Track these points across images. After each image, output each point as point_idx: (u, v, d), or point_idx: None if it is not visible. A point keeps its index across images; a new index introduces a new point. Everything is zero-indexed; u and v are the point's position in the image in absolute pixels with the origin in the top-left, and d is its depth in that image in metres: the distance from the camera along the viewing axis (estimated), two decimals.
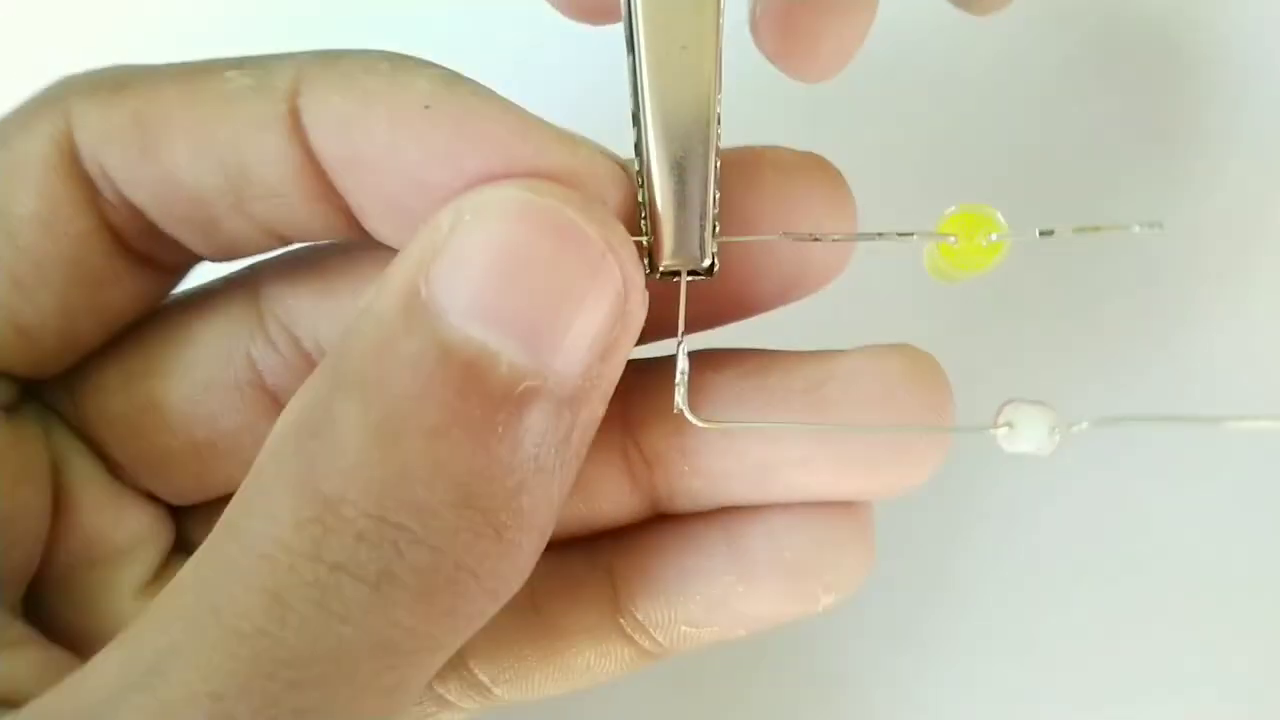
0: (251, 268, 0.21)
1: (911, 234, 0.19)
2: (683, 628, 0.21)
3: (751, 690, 0.31)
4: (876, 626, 0.31)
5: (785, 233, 0.19)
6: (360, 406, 0.15)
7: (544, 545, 0.17)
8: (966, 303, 0.33)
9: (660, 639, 0.21)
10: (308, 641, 0.14)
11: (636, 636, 0.21)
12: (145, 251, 0.19)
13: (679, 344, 0.19)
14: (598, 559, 0.21)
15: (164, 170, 0.18)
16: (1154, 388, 0.32)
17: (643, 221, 0.18)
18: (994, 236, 0.18)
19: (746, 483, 0.20)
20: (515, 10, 0.34)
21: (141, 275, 0.20)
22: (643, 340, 0.18)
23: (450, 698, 0.21)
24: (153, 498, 0.21)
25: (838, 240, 0.19)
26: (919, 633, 0.31)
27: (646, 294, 0.17)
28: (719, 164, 0.17)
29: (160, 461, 0.21)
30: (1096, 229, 0.18)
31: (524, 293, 0.16)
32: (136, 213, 0.19)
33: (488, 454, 0.15)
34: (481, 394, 0.15)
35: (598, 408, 0.17)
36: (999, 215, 0.18)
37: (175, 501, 0.22)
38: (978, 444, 0.18)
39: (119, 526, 0.20)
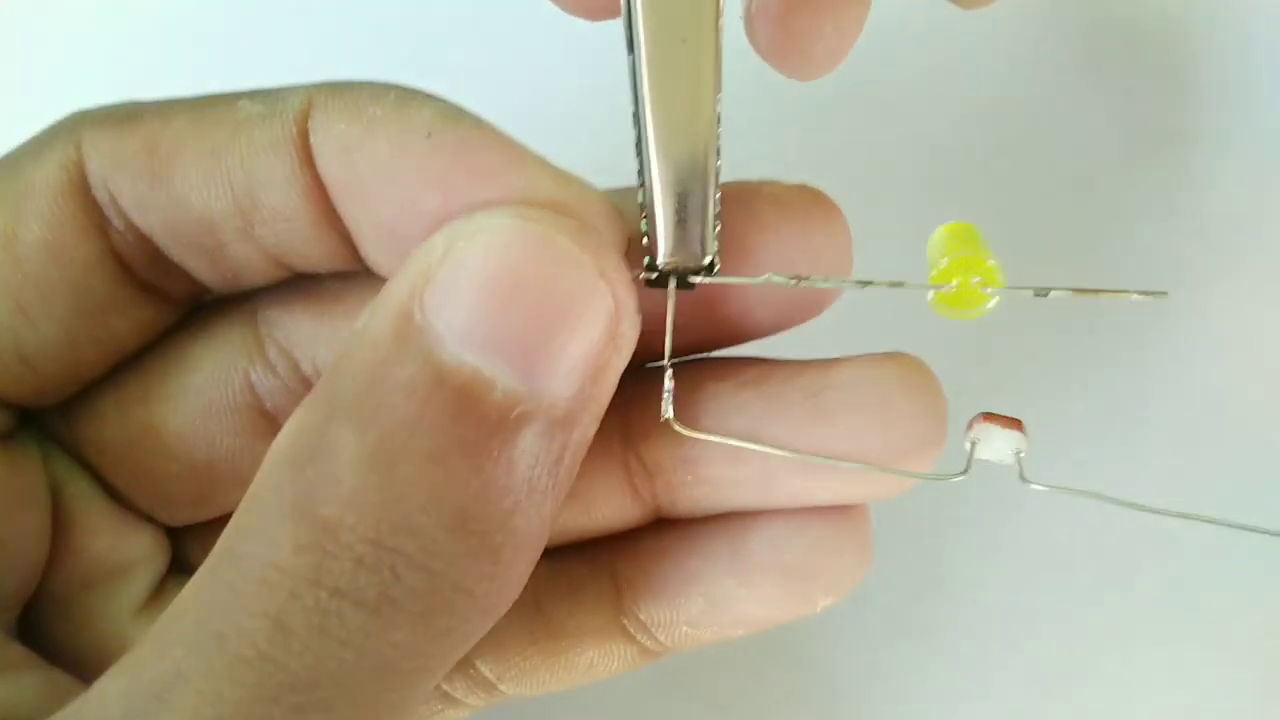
0: (250, 292, 0.21)
1: (902, 283, 0.19)
2: (684, 628, 0.21)
3: (751, 690, 0.31)
4: (874, 625, 0.31)
5: (771, 275, 0.19)
6: (356, 432, 0.15)
7: (536, 561, 0.17)
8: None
9: (662, 638, 0.21)
10: (310, 665, 0.14)
11: (639, 636, 0.21)
12: (150, 280, 0.20)
13: (666, 354, 0.19)
14: (600, 562, 0.22)
15: (174, 195, 0.18)
16: (1154, 387, 0.32)
17: (643, 221, 0.18)
18: (988, 290, 0.18)
19: (749, 489, 0.20)
20: (515, 10, 0.34)
21: (146, 305, 0.20)
22: (635, 361, 0.18)
23: (457, 695, 0.22)
24: (150, 519, 0.21)
25: (826, 285, 0.19)
26: (916, 632, 0.31)
27: (639, 317, 0.17)
28: (720, 162, 0.18)
29: (158, 484, 0.21)
30: (1096, 292, 0.18)
31: (517, 317, 0.16)
32: (144, 240, 0.19)
33: (483, 478, 0.15)
34: (476, 419, 0.15)
35: (589, 428, 0.17)
36: (991, 259, 0.18)
37: (172, 523, 0.22)
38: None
39: (117, 548, 0.21)
